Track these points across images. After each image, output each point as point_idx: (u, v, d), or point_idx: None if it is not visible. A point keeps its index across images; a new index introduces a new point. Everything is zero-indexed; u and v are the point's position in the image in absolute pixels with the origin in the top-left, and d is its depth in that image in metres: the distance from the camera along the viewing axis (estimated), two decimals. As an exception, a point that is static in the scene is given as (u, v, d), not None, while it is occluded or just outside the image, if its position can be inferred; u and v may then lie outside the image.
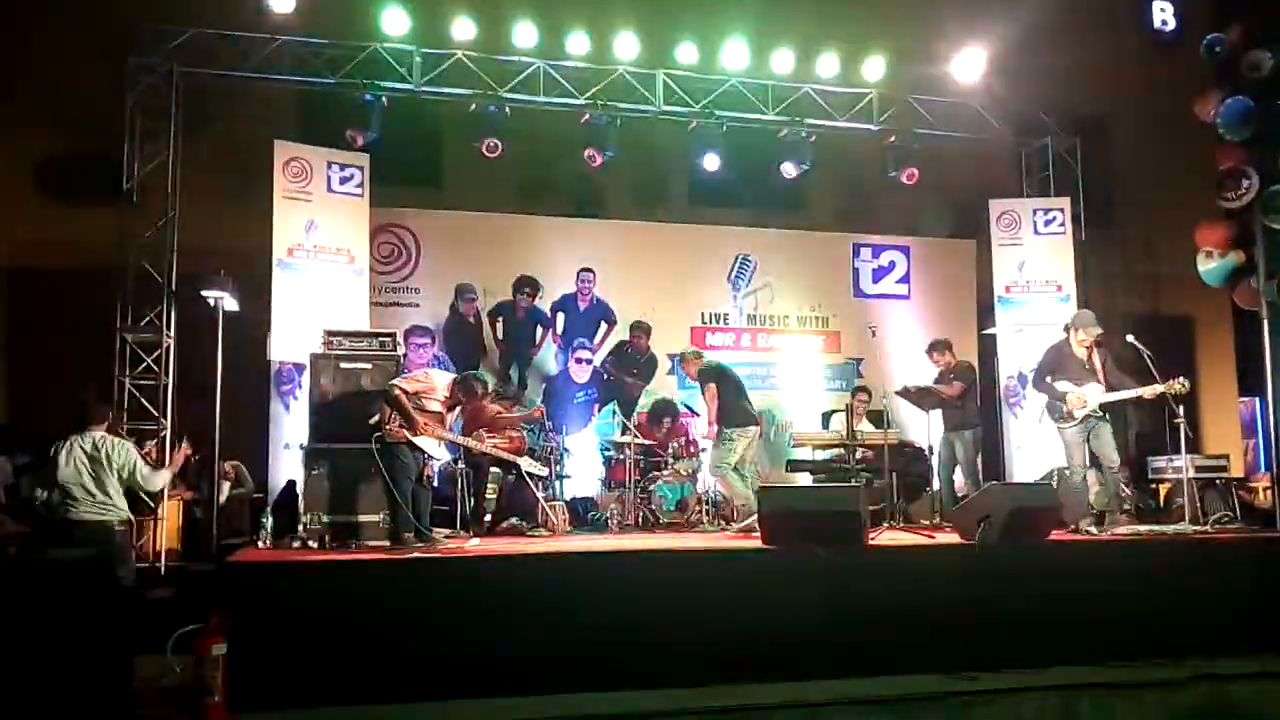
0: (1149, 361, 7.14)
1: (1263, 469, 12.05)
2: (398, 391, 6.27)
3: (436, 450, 6.53)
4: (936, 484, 8.48)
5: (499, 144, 9.10)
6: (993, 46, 9.74)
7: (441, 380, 6.57)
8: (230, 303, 8.27)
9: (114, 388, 8.19)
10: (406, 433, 6.28)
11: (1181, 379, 6.98)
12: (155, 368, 8.31)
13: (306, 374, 7.24)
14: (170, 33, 8.41)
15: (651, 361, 9.80)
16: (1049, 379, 7.35)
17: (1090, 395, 7.12)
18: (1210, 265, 8.23)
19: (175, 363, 8.39)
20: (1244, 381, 12.89)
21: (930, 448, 8.31)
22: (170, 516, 8.22)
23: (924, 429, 8.33)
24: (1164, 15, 11.47)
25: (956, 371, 8.35)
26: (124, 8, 8.86)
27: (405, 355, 7.84)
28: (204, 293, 8.17)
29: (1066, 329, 7.51)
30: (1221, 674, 5.54)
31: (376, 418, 6.29)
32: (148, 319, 8.37)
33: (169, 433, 8.26)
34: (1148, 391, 7.03)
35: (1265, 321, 8.06)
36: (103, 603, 4.71)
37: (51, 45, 9.62)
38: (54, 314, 9.45)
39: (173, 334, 8.42)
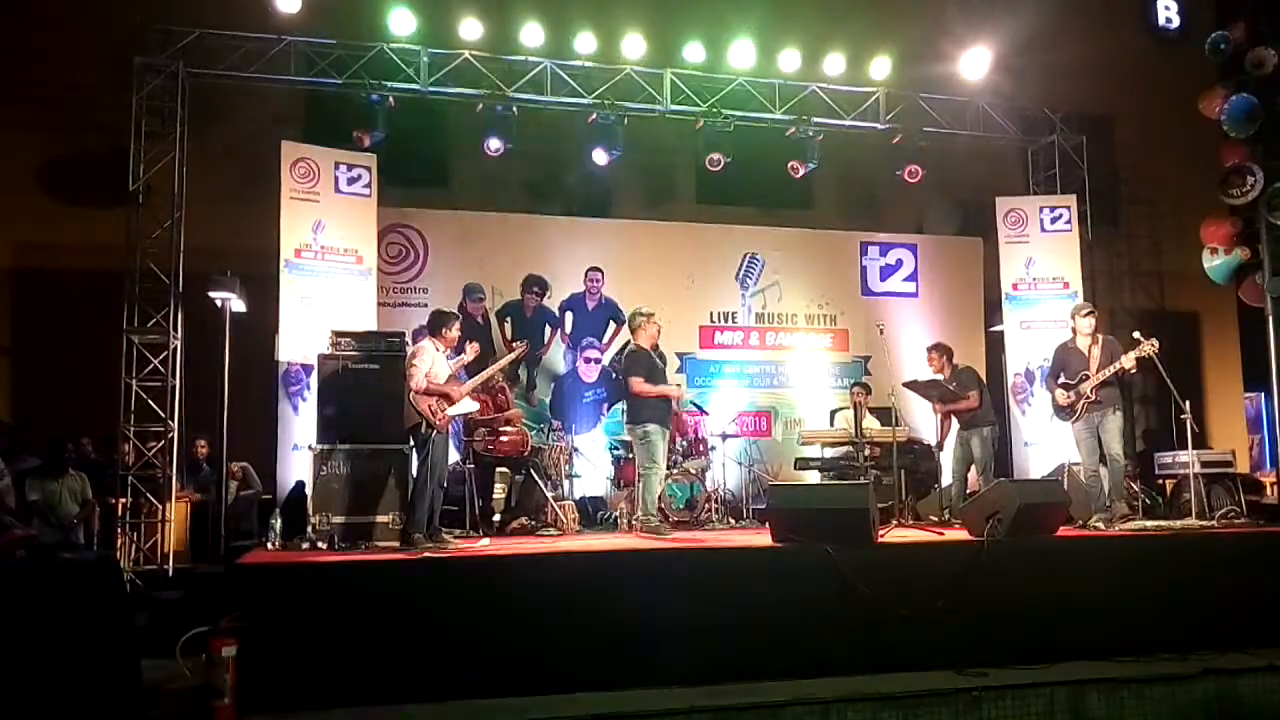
0: (1158, 360, 7.13)
1: (1268, 464, 12.07)
2: (424, 384, 6.35)
3: (472, 404, 6.83)
4: (946, 480, 8.49)
5: (504, 144, 9.12)
6: (998, 45, 9.74)
7: (427, 343, 6.67)
8: (237, 304, 8.30)
9: (120, 389, 8.20)
10: (449, 410, 6.39)
11: (1150, 341, 7.01)
12: (162, 369, 8.30)
13: (314, 375, 7.26)
14: (177, 33, 8.42)
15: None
16: (1055, 379, 7.42)
17: (1082, 385, 7.19)
18: (1215, 262, 8.27)
19: (182, 364, 8.37)
20: (1249, 377, 12.89)
21: (939, 444, 8.32)
22: (178, 519, 8.24)
23: (932, 426, 8.33)
24: (1168, 13, 11.49)
25: (958, 379, 8.33)
26: (130, 9, 8.89)
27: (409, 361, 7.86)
28: (211, 294, 8.20)
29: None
30: (1229, 669, 5.55)
31: (423, 424, 6.35)
32: (154, 320, 8.35)
33: (176, 434, 8.27)
34: (1126, 360, 7.08)
35: (1270, 317, 8.08)
36: (110, 605, 4.71)
37: (58, 46, 9.64)
38: (60, 315, 9.48)
39: (180, 335, 8.42)
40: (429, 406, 6.34)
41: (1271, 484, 10.22)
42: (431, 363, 6.48)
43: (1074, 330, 7.50)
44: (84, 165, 9.60)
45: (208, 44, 8.51)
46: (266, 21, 8.52)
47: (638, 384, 6.99)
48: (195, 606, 6.13)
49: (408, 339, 7.31)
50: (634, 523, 7.04)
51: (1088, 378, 7.22)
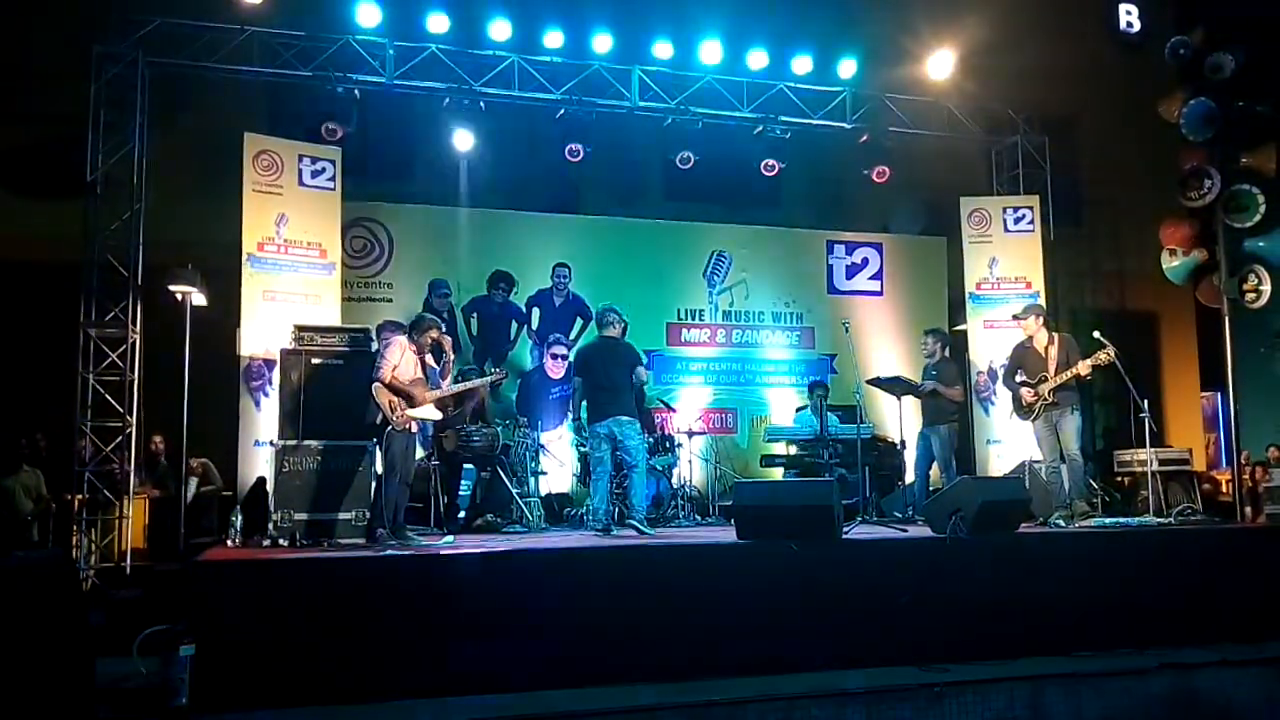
0: (1117, 361, 7.24)
1: (1224, 463, 12.31)
2: (389, 378, 6.29)
3: (433, 413, 6.68)
4: (909, 477, 8.56)
5: (470, 139, 9.06)
6: (963, 46, 9.84)
7: (402, 339, 6.61)
8: (198, 297, 8.18)
9: (77, 384, 8.04)
10: (409, 411, 6.31)
11: (1108, 349, 7.14)
12: (120, 363, 8.17)
13: (277, 370, 7.16)
14: (137, 22, 8.29)
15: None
16: (1014, 378, 7.52)
17: (1041, 386, 7.29)
18: (1174, 263, 8.37)
19: (142, 358, 8.26)
20: (1206, 377, 13.14)
21: (903, 442, 8.38)
22: (136, 516, 8.12)
23: (896, 423, 8.39)
24: (1129, 17, 11.64)
25: (943, 369, 8.39)
26: (89, -3, 8.74)
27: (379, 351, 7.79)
28: (171, 287, 8.08)
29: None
30: (1185, 663, 5.64)
31: (379, 416, 6.27)
32: (113, 314, 8.23)
33: (134, 430, 8.14)
34: (1082, 367, 7.20)
35: (1226, 318, 8.22)
36: (65, 603, 4.62)
37: (14, 33, 9.44)
38: (16, 308, 9.29)
39: (139, 329, 8.29)
40: (389, 401, 6.27)
41: (1227, 482, 10.42)
42: (400, 359, 6.41)
43: (1025, 331, 7.63)
44: (40, 155, 9.43)
45: (169, 33, 8.39)
46: (230, 11, 8.40)
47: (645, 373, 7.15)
48: (153, 605, 6.08)
49: (372, 334, 7.24)
50: (629, 522, 7.01)
51: (1046, 378, 7.31)
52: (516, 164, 9.99)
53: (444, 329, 7.01)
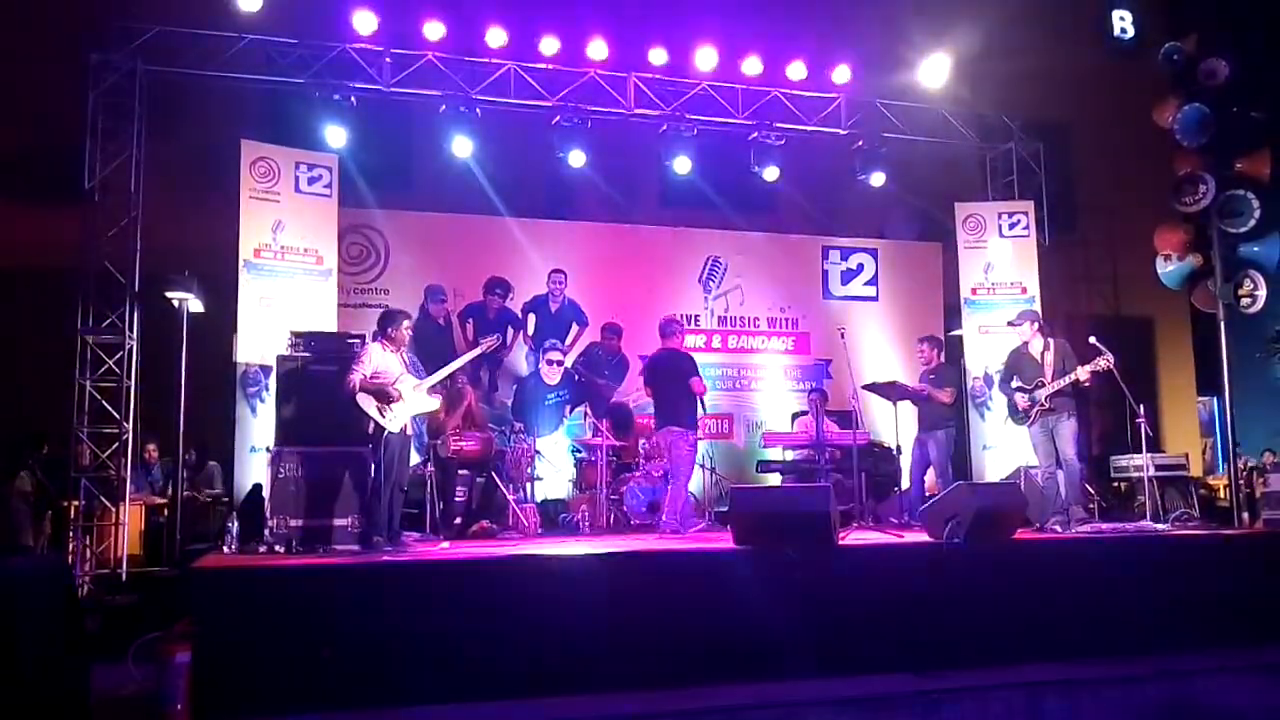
0: (1113, 368, 7.25)
1: (1220, 468, 12.32)
2: (360, 385, 6.23)
3: (426, 403, 6.62)
4: (905, 483, 8.57)
5: (466, 146, 9.09)
6: (958, 53, 9.88)
7: (374, 345, 6.56)
8: (195, 304, 8.19)
9: (75, 390, 8.04)
10: (397, 407, 6.29)
11: (1106, 356, 7.15)
12: (117, 370, 8.17)
13: (273, 376, 7.16)
14: (134, 30, 8.29)
15: (622, 363, 9.80)
16: (1010, 383, 7.54)
17: (1038, 391, 7.30)
18: (1169, 268, 8.38)
19: (138, 365, 8.25)
20: (1202, 382, 13.17)
21: (899, 447, 8.39)
22: (132, 522, 8.10)
23: (892, 429, 8.40)
24: (1123, 24, 11.65)
25: (939, 372, 8.43)
26: (87, 4, 8.74)
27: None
28: (168, 294, 8.08)
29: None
30: (1183, 670, 5.65)
31: (372, 424, 6.26)
32: (109, 320, 8.22)
33: (130, 436, 8.13)
34: (1081, 373, 7.23)
35: (1221, 323, 8.24)
36: (61, 610, 4.61)
37: (12, 41, 9.45)
38: (13, 315, 9.29)
39: (135, 336, 8.28)
40: (376, 407, 6.24)
41: (1224, 487, 10.43)
42: (374, 365, 6.36)
43: (1021, 337, 7.66)
44: (38, 163, 9.43)
45: (166, 41, 8.38)
46: (227, 19, 8.40)
47: (701, 382, 7.53)
48: (149, 611, 6.06)
49: (368, 340, 7.24)
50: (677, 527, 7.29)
51: (1043, 384, 7.33)
52: (512, 170, 10.01)
53: (410, 318, 6.96)
